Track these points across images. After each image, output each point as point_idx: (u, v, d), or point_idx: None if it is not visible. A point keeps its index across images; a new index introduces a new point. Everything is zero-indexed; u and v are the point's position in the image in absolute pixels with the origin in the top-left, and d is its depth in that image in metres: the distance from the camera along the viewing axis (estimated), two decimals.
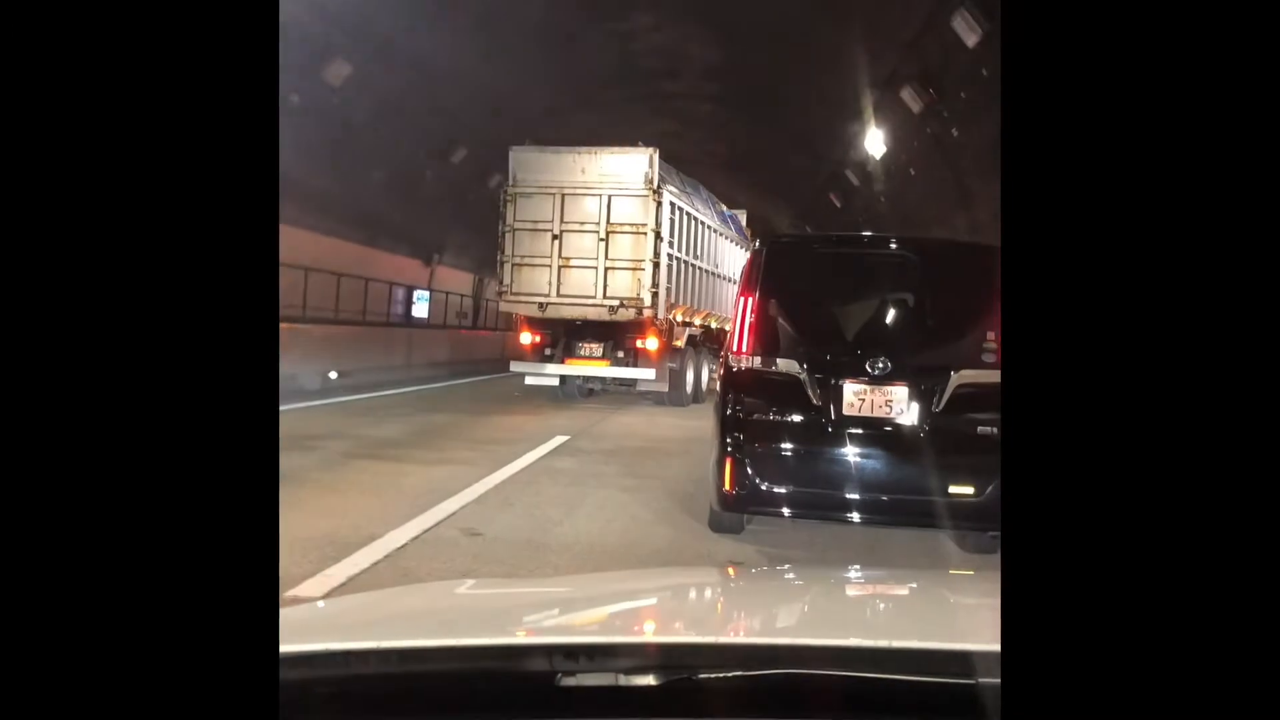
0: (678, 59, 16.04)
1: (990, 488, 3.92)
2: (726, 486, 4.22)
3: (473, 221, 20.14)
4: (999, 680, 0.80)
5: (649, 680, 0.98)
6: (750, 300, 4.34)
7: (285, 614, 1.00)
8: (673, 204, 11.19)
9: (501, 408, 11.17)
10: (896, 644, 1.11)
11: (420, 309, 18.27)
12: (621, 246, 10.97)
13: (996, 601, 0.82)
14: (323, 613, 1.70)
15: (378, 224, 15.59)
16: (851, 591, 1.81)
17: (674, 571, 3.16)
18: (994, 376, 4.01)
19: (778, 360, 4.28)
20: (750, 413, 4.28)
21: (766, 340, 4.32)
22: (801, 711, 0.95)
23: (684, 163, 25.22)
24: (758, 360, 4.31)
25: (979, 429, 4.07)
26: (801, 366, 4.22)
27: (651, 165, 10.85)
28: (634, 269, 10.94)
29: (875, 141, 13.51)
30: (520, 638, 1.24)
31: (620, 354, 11.19)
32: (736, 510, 4.46)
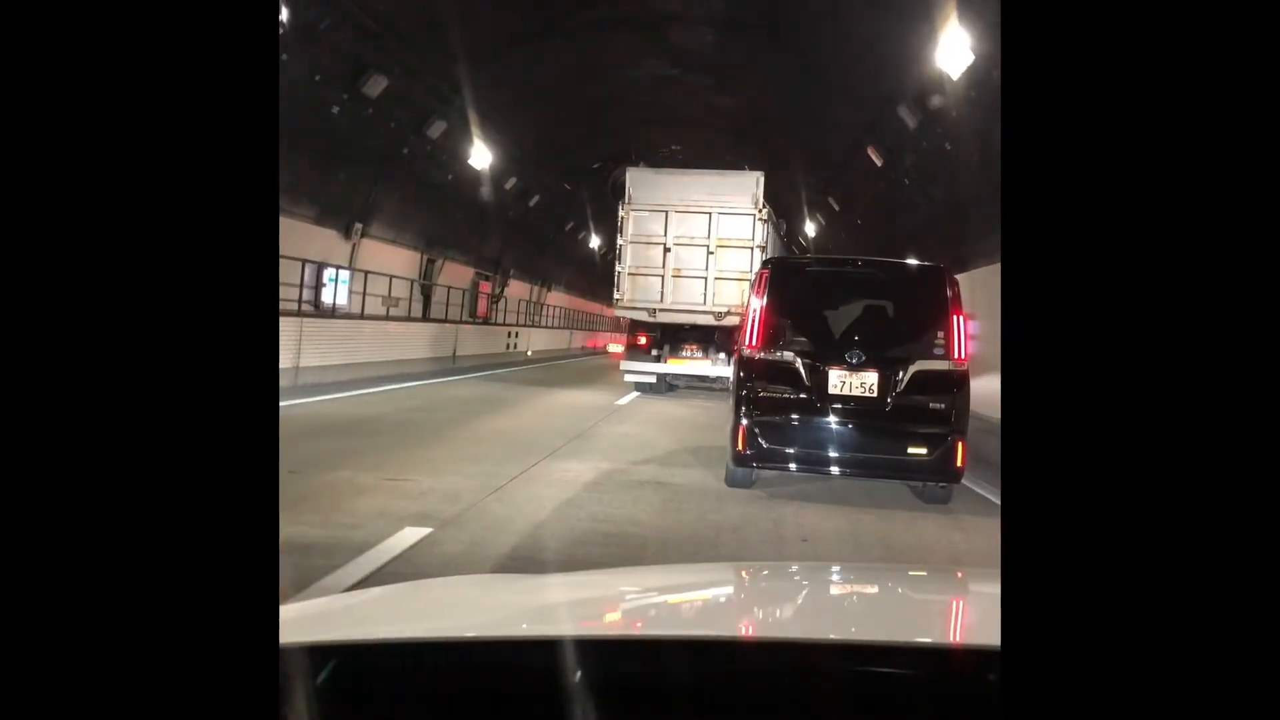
0: None
1: (939, 449, 5.20)
2: (740, 447, 5.42)
3: (413, 183, 15.91)
4: (1000, 676, 0.80)
5: (661, 676, 0.97)
6: (758, 306, 5.57)
7: (296, 608, 1.14)
8: (767, 219, 12.24)
9: (375, 450, 6.99)
10: (903, 640, 1.16)
11: (336, 293, 14.02)
12: (728, 259, 11.95)
13: (997, 597, 0.83)
14: (330, 607, 1.60)
15: None
16: (857, 588, 1.75)
17: (686, 569, 2.97)
18: (942, 365, 5.36)
19: (778, 352, 5.51)
20: (757, 391, 5.49)
21: (770, 337, 5.53)
22: (811, 706, 0.98)
23: (681, 125, 20.97)
24: (763, 352, 5.52)
25: (930, 405, 5.32)
26: (796, 357, 5.47)
27: (758, 186, 12.03)
28: (740, 280, 11.57)
29: (953, 51, 9.28)
30: (528, 631, 1.19)
31: (722, 355, 12.06)
32: (746, 465, 5.57)
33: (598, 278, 38.63)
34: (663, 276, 12.10)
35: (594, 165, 22.65)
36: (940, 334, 5.34)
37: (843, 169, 16.77)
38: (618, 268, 12.31)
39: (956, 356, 5.32)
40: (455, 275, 19.87)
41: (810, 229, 22.35)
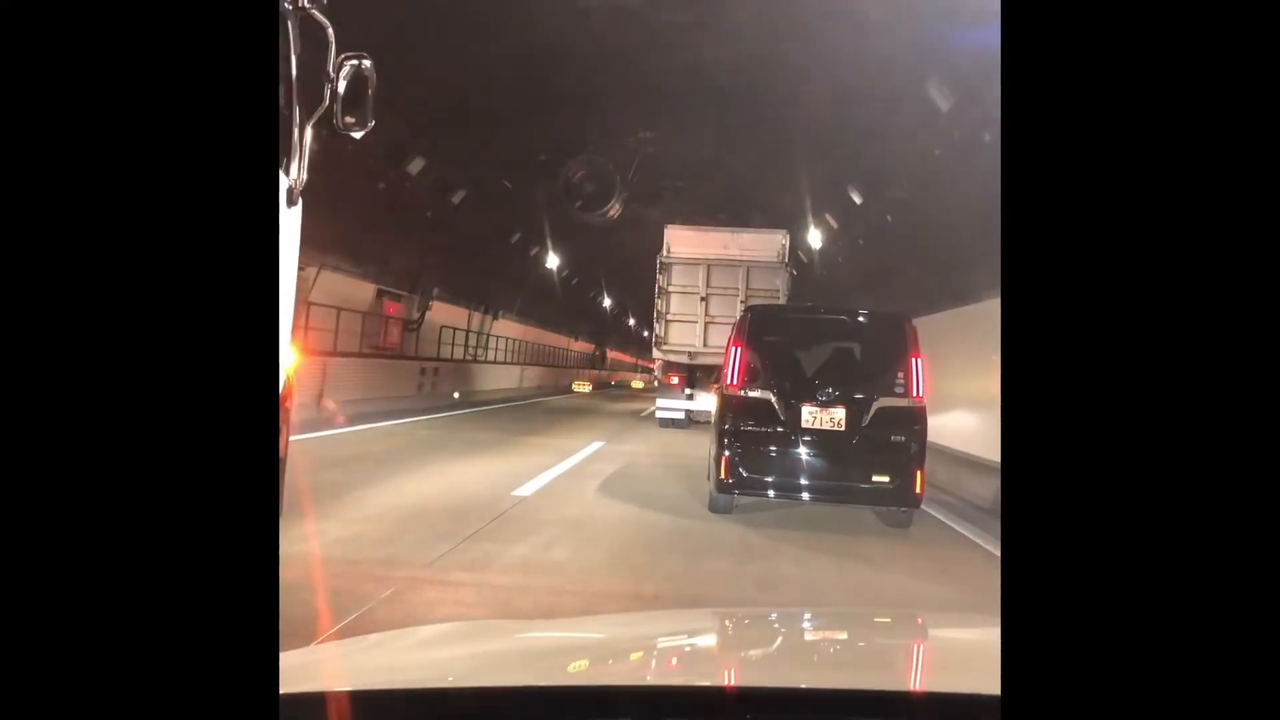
0: None
1: (900, 478, 6.00)
2: (722, 475, 6.17)
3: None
4: None
5: None
6: (739, 348, 6.38)
7: (294, 656, 1.12)
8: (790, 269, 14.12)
9: None
10: (897, 688, 1.19)
11: None
12: None
13: (991, 643, 0.86)
14: (333, 654, 1.65)
15: None
16: (846, 634, 1.77)
17: (672, 615, 2.99)
18: (903, 402, 6.13)
19: (757, 389, 6.27)
20: (738, 425, 6.22)
21: (750, 376, 6.31)
22: None
23: (652, 97, 15.82)
24: (743, 390, 6.28)
25: (892, 438, 6.06)
26: (773, 394, 6.22)
27: (784, 244, 14.07)
28: None
29: None
30: (503, 681, 1.17)
31: None
32: (728, 491, 6.29)
33: (560, 305, 33.61)
34: (698, 322, 13.78)
35: (541, 157, 17.72)
36: (901, 374, 6.17)
37: (874, 136, 11.78)
38: (655, 315, 14.14)
39: (915, 395, 6.12)
40: (344, 292, 14.73)
41: (815, 238, 17.26)
